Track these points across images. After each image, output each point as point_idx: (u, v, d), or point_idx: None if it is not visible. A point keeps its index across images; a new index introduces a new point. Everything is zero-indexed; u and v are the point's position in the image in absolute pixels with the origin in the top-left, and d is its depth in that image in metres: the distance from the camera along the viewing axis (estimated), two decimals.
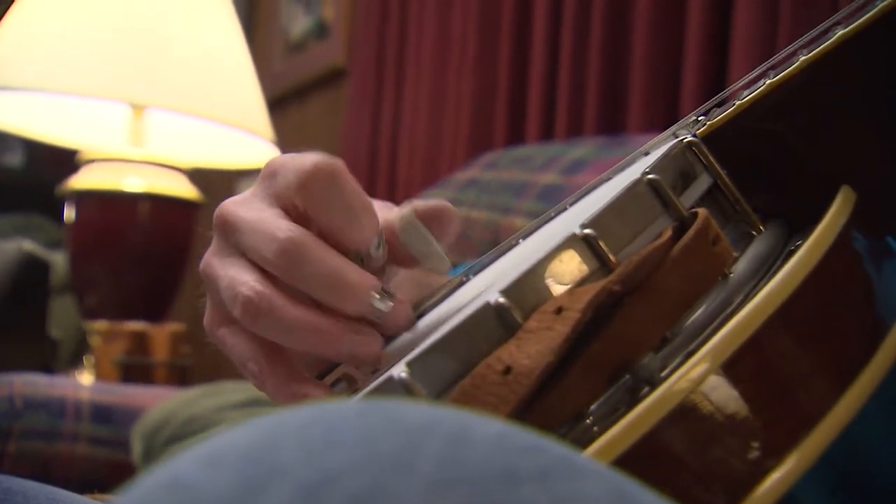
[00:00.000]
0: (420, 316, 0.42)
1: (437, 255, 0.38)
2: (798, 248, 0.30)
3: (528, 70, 1.40)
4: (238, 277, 0.36)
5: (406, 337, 0.40)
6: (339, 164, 0.36)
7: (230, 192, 0.38)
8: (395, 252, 0.39)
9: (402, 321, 0.37)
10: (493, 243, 0.48)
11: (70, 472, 1.14)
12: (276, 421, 0.19)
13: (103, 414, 1.17)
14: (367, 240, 0.36)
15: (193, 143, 1.71)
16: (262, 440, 0.18)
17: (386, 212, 0.39)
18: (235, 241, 0.37)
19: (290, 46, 2.27)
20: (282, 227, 0.35)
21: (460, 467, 0.18)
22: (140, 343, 1.49)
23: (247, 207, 0.37)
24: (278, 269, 0.35)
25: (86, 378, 1.47)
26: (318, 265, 0.35)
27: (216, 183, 2.00)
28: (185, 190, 1.61)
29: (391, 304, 0.36)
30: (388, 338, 0.42)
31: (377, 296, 0.35)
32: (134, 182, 1.56)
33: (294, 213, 0.36)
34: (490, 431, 0.19)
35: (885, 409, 0.33)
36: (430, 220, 0.38)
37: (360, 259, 0.37)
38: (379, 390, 0.28)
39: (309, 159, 0.36)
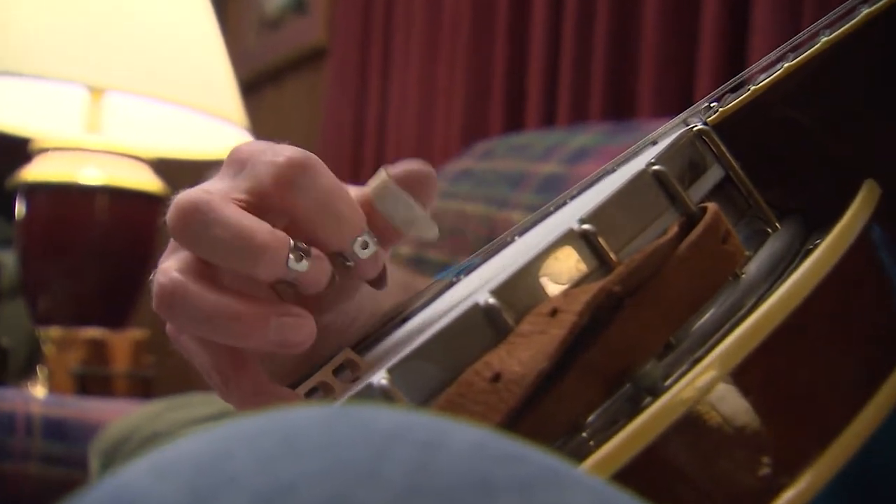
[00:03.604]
0: (405, 319, 0.43)
1: (422, 219, 0.38)
2: (816, 247, 0.30)
3: (528, 49, 1.41)
4: (161, 267, 0.36)
5: (389, 341, 0.40)
6: (313, 157, 0.36)
7: (198, 185, 0.38)
8: (376, 225, 0.38)
9: (322, 281, 0.36)
10: (489, 240, 0.49)
11: (20, 493, 1.14)
12: (230, 428, 0.20)
13: (57, 430, 1.17)
14: (347, 239, 0.36)
15: (157, 130, 1.71)
16: (214, 448, 0.19)
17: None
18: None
19: (266, 23, 2.27)
20: (189, 193, 0.35)
21: (432, 476, 0.18)
22: (98, 351, 1.49)
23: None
24: (183, 238, 0.35)
25: (38, 390, 1.47)
26: (222, 225, 0.34)
27: (183, 174, 2.00)
28: (147, 182, 1.61)
29: (307, 262, 0.35)
30: (369, 343, 0.42)
31: (293, 255, 0.35)
32: (91, 173, 1.56)
33: (258, 211, 0.36)
34: (467, 439, 0.19)
35: None
36: (408, 184, 0.38)
37: (346, 263, 0.37)
38: (356, 399, 0.28)
39: (283, 152, 0.36)
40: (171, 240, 0.38)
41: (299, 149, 0.36)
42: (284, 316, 0.35)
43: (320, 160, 0.36)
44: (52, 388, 1.47)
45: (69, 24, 1.43)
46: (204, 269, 0.36)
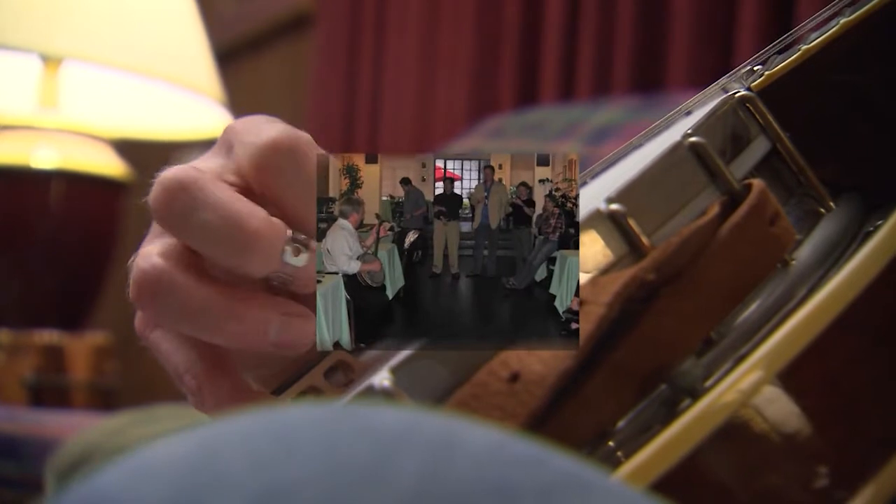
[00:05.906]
0: None
1: None
2: (877, 229, 0.30)
3: (543, 11, 1.40)
4: (141, 251, 0.36)
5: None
6: (304, 138, 0.36)
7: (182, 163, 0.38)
8: None
9: (313, 278, 0.36)
10: None
11: None
12: (219, 427, 0.20)
13: (7, 447, 1.17)
14: None
15: (121, 105, 1.71)
16: (202, 448, 0.19)
17: None
18: None
19: None
20: (176, 169, 0.35)
21: (445, 481, 0.18)
22: (54, 358, 1.50)
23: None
24: (167, 221, 0.35)
25: None
26: (211, 207, 0.34)
27: (149, 157, 2.00)
28: (109, 166, 1.62)
29: (306, 257, 0.35)
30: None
31: (289, 248, 0.35)
32: (46, 155, 1.57)
33: (253, 196, 0.36)
34: (482, 440, 0.20)
35: None
36: None
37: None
38: (354, 402, 0.28)
39: (267, 132, 0.36)
40: (154, 224, 0.38)
41: (288, 128, 0.36)
42: (287, 315, 0.35)
43: (311, 141, 0.36)
44: (2, 399, 1.47)
45: None
46: (192, 258, 0.36)
